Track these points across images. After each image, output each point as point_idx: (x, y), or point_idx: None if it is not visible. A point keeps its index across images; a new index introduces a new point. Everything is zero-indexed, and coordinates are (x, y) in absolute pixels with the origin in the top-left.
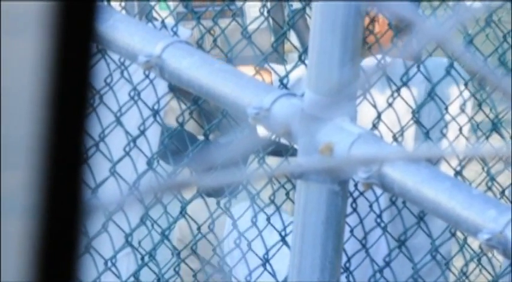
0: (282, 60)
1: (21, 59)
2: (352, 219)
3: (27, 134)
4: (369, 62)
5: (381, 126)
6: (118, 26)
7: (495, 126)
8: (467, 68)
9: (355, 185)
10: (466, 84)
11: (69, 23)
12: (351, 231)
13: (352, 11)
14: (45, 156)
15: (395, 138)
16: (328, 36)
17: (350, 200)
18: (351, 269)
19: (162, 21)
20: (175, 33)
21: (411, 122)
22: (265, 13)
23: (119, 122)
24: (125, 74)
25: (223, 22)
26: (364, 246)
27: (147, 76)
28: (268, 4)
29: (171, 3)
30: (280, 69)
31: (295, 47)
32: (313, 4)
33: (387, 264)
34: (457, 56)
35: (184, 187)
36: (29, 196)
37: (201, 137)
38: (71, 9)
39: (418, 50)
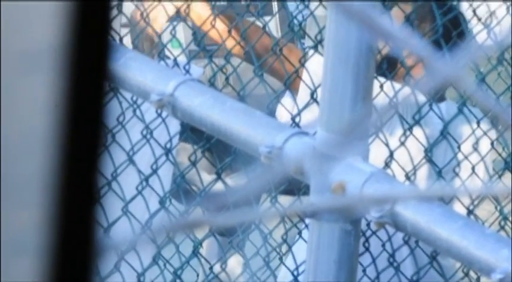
0: (294, 99)
1: (33, 98)
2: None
3: (39, 172)
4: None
5: (394, 166)
6: (130, 64)
7: (508, 165)
8: (479, 105)
9: (368, 224)
10: (478, 123)
11: (81, 62)
12: (364, 270)
13: (364, 49)
14: (57, 194)
15: (408, 178)
16: (340, 74)
17: (362, 239)
18: None
19: (175, 59)
20: (187, 72)
21: (425, 161)
22: (277, 51)
23: (131, 160)
24: (137, 112)
25: (236, 60)
26: None
27: (159, 114)
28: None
29: (183, 41)
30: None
31: (306, 85)
32: (325, 42)
33: None
34: (469, 94)
35: (197, 226)
36: (40, 235)
37: (213, 176)
38: (84, 48)
39: (431, 88)
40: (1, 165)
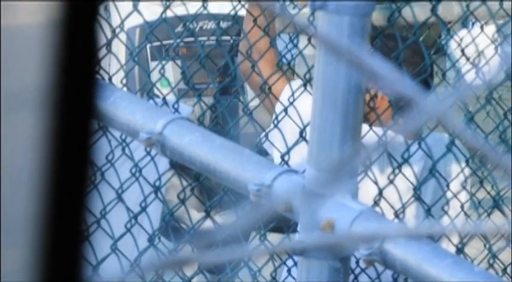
0: (283, 136)
1: (21, 136)
2: None
3: (27, 211)
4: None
5: (383, 204)
6: (119, 103)
7: (496, 204)
8: (468, 144)
9: (357, 262)
10: (467, 162)
11: (69, 101)
12: None
13: (352, 88)
14: (46, 233)
15: (396, 216)
16: (329, 113)
17: (351, 277)
18: None
19: (164, 98)
20: (176, 110)
21: (412, 199)
22: (266, 90)
23: (120, 199)
24: (126, 150)
25: (225, 99)
26: None
27: (148, 153)
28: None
29: (172, 80)
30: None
31: (296, 124)
32: (314, 81)
33: None
34: (457, 133)
35: (186, 264)
36: (29, 274)
37: (202, 214)
38: (72, 87)
39: (418, 127)
40: None
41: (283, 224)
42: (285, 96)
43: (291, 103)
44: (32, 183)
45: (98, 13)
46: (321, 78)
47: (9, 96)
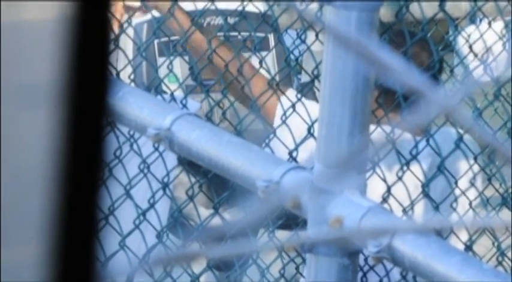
0: (290, 132)
1: (33, 133)
2: None
3: (37, 208)
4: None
5: (391, 201)
6: (127, 99)
7: (505, 201)
8: (478, 139)
9: (365, 259)
10: (475, 158)
11: (80, 96)
12: None
13: (360, 83)
14: (57, 229)
15: (405, 212)
16: (337, 109)
17: (360, 274)
18: None
19: (171, 94)
20: (184, 106)
21: (420, 196)
22: (274, 86)
23: (128, 195)
24: (134, 146)
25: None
26: None
27: (156, 149)
28: (277, 77)
29: (180, 76)
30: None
31: (303, 120)
32: (322, 77)
33: None
34: (466, 128)
35: (194, 259)
36: (39, 271)
37: (210, 211)
38: (82, 83)
39: (426, 122)
40: (1, 200)
41: (292, 221)
42: (280, 111)
43: (283, 122)
44: (44, 178)
45: (109, 9)
46: (329, 73)
47: (21, 92)
